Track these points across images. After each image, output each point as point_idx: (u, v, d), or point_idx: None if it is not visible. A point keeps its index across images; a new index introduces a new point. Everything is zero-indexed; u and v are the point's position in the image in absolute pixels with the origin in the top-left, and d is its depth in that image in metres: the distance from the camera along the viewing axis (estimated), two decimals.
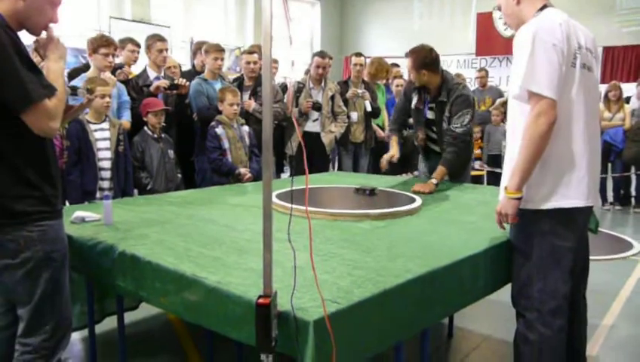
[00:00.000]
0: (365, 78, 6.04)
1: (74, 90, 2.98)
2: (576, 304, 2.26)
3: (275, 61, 6.82)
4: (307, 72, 5.77)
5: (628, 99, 7.32)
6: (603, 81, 8.37)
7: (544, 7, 2.08)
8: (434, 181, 3.21)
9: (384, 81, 6.38)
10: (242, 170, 4.00)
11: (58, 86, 1.74)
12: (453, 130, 3.32)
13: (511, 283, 2.20)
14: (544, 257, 2.06)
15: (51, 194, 1.80)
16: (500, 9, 2.23)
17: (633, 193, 7.19)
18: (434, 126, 3.55)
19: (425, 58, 3.37)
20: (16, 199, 1.71)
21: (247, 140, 4.16)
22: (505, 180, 2.08)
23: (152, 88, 4.13)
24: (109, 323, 2.86)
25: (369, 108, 5.39)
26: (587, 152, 2.04)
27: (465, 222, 2.50)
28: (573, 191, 2.02)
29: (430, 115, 3.55)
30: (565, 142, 2.00)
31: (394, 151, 3.66)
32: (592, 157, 2.07)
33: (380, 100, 5.83)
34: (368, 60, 6.27)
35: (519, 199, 2.00)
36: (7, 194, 1.70)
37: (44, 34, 1.84)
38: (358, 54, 5.63)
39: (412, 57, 3.40)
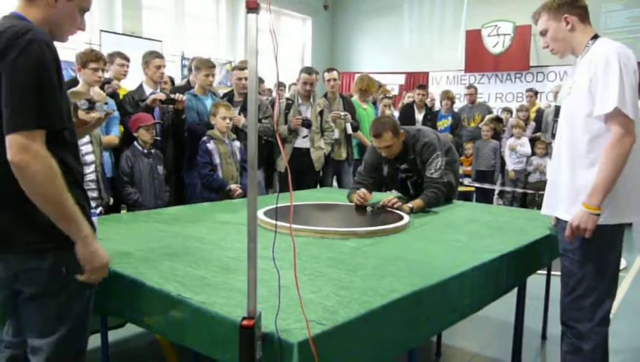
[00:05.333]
0: (355, 95, 6.09)
1: (92, 105, 2.93)
2: None
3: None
4: (290, 86, 5.80)
5: None
6: None
7: (596, 36, 2.22)
8: (410, 205, 3.07)
9: (372, 98, 6.44)
10: (232, 186, 4.00)
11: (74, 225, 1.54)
12: (429, 177, 3.25)
13: (561, 295, 2.31)
14: (601, 270, 2.18)
15: (88, 214, 1.67)
16: (543, 34, 2.32)
17: None
18: (410, 182, 3.47)
19: (395, 125, 3.21)
20: None
21: (238, 155, 4.17)
22: (566, 194, 2.22)
23: (148, 101, 4.12)
24: (93, 342, 2.81)
25: (349, 131, 5.44)
26: None
27: (452, 240, 2.50)
28: (633, 208, 2.20)
29: (405, 176, 3.44)
30: (632, 161, 2.12)
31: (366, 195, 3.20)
32: None
33: (370, 118, 5.89)
34: (357, 76, 6.34)
35: (599, 215, 2.09)
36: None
37: None
38: (330, 69, 5.65)
39: (387, 131, 3.14)
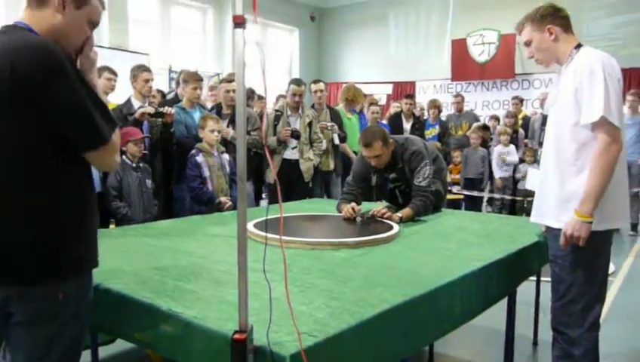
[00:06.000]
0: (341, 104, 6.12)
1: None
2: None
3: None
4: (278, 98, 5.82)
5: None
6: None
7: (579, 45, 2.25)
8: (399, 215, 3.09)
9: (359, 107, 6.46)
10: (222, 199, 4.00)
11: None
12: (417, 185, 3.25)
13: (551, 301, 2.33)
14: (591, 276, 2.22)
15: (95, 240, 1.63)
16: (527, 45, 2.35)
17: None
18: (399, 191, 3.49)
19: (384, 134, 3.23)
20: (66, 247, 1.52)
21: (227, 168, 4.17)
22: (554, 202, 2.24)
23: (137, 114, 4.12)
24: (83, 359, 2.78)
25: (337, 141, 5.47)
26: (626, 177, 2.28)
27: (441, 248, 2.52)
28: (620, 214, 2.26)
29: (394, 186, 3.45)
30: (618, 168, 2.16)
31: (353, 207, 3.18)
32: (626, 181, 2.31)
33: (354, 127, 5.92)
34: (344, 86, 6.37)
35: (591, 223, 2.12)
36: (56, 241, 1.50)
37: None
38: (317, 81, 5.67)
39: (377, 140, 3.16)
